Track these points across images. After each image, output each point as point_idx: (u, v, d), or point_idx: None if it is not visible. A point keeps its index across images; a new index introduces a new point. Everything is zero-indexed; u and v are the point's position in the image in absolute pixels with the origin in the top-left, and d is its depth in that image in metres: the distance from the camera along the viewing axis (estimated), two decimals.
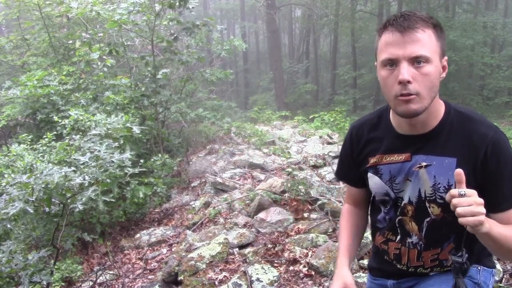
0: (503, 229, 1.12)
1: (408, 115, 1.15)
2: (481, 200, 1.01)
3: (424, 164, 1.22)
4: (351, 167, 1.44)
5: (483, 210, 1.01)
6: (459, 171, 1.04)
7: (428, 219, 1.26)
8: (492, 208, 1.16)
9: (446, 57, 1.20)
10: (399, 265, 1.37)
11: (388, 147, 1.30)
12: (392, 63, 1.13)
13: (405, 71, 1.10)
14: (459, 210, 1.00)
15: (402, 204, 1.30)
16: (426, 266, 1.32)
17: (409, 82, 1.10)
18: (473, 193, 1.02)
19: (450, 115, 1.23)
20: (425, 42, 1.11)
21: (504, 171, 1.16)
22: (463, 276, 1.20)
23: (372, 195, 1.42)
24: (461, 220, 1.01)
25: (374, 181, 1.34)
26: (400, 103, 1.13)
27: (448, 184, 1.20)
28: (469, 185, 1.13)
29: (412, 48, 1.10)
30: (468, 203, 1.00)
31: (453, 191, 1.02)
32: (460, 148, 1.19)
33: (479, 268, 1.33)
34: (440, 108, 1.24)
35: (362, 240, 3.23)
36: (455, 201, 1.01)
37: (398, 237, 1.35)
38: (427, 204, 1.24)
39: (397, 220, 1.33)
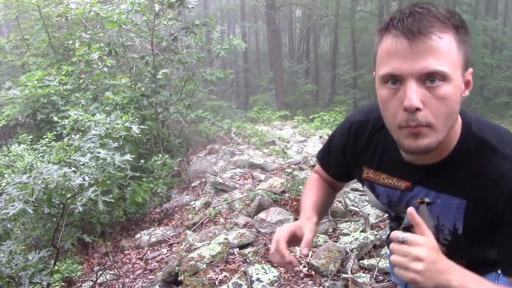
0: None
1: (417, 152, 0.89)
2: (421, 254, 0.81)
3: (426, 200, 0.99)
4: (339, 162, 1.22)
5: (418, 267, 0.81)
6: (411, 210, 0.84)
7: None
8: (502, 269, 0.97)
9: (471, 70, 0.90)
10: None
11: (387, 166, 1.07)
12: (396, 79, 0.85)
13: (413, 94, 0.81)
14: (391, 258, 0.84)
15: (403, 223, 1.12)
16: None
17: (418, 109, 0.82)
18: (416, 242, 0.82)
19: (466, 142, 0.93)
20: (442, 52, 0.82)
21: None
22: None
23: None
24: (395, 270, 0.84)
25: (371, 197, 1.16)
26: (405, 135, 0.86)
27: (454, 228, 0.97)
28: (478, 235, 0.95)
29: (423, 61, 0.81)
30: (403, 254, 0.82)
31: (394, 234, 0.84)
32: (473, 187, 0.92)
33: (499, 272, 1.10)
34: (455, 131, 0.93)
35: (362, 240, 3.24)
36: (391, 246, 0.85)
37: None
38: None
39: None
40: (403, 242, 0.83)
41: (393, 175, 1.06)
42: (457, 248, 0.90)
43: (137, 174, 3.23)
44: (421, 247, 0.82)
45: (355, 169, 1.17)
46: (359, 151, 1.14)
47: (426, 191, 0.99)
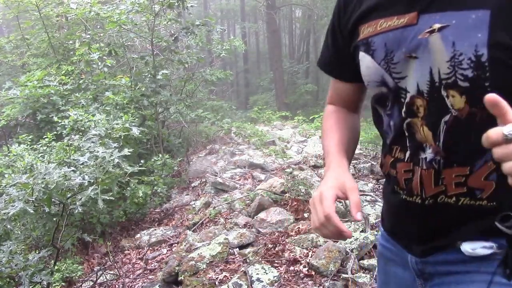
0: None
1: None
2: None
3: (437, 26, 0.76)
4: (338, 47, 0.99)
5: None
6: (492, 97, 0.57)
7: (446, 117, 0.78)
8: None
9: None
10: (410, 198, 0.87)
11: (385, 6, 0.85)
12: None
13: None
14: (507, 166, 0.57)
15: (407, 98, 0.83)
16: (450, 193, 0.81)
17: None
18: None
19: None
20: None
21: None
22: None
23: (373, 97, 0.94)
24: None
25: (366, 64, 0.89)
26: None
27: (475, 55, 0.72)
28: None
29: None
30: None
31: (493, 133, 0.56)
32: None
33: None
34: None
35: (362, 240, 3.23)
36: (498, 151, 0.57)
37: (408, 153, 0.86)
38: (443, 93, 0.77)
39: (405, 125, 0.85)
40: None
41: (392, 14, 0.82)
42: (480, 92, 0.62)
43: (136, 170, 3.23)
44: None
45: (353, 40, 0.93)
46: (353, 8, 0.93)
47: (436, 16, 0.76)
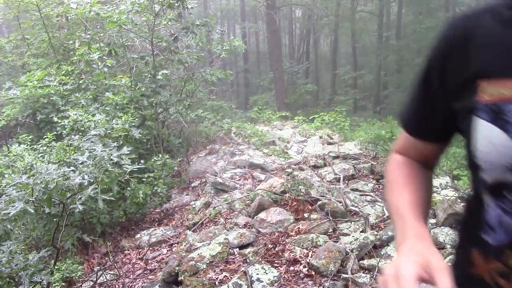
0: None
1: None
2: None
3: None
4: (433, 102, 0.75)
5: None
6: None
7: None
8: None
9: None
10: None
11: None
12: None
13: None
14: None
15: None
16: None
17: None
18: None
19: None
20: None
21: None
22: None
23: (478, 166, 0.68)
24: None
25: (488, 138, 0.63)
26: None
27: None
28: None
29: None
30: None
31: None
32: None
33: None
34: None
35: (362, 240, 3.23)
36: None
37: None
38: None
39: None
40: None
41: None
42: None
43: (136, 169, 3.23)
44: None
45: (462, 98, 0.68)
46: (467, 55, 0.67)
47: None
